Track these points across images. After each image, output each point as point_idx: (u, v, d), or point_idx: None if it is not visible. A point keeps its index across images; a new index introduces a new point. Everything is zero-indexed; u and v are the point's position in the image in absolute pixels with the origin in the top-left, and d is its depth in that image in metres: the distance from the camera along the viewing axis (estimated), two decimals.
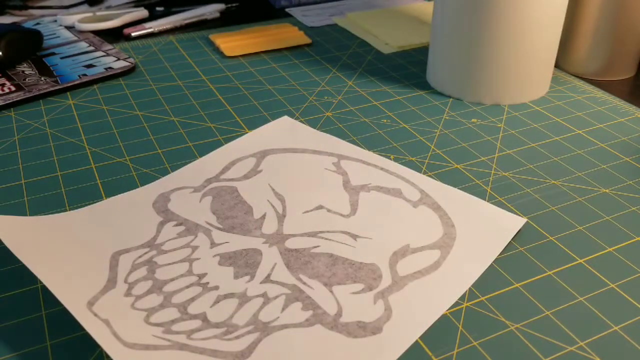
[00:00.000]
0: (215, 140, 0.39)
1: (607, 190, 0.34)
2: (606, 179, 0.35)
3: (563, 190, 0.34)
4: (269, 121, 0.42)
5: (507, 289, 0.28)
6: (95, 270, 0.28)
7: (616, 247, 0.30)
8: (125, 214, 0.32)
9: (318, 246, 0.30)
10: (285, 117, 0.42)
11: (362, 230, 0.31)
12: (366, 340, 0.25)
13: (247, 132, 0.40)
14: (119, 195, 0.34)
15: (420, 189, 0.34)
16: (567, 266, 0.29)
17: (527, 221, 0.32)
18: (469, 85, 0.43)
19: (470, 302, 0.27)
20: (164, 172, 0.36)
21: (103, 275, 0.28)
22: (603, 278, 0.28)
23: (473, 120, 0.41)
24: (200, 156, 0.38)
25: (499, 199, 0.34)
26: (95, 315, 0.25)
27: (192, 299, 0.27)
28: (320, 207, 0.33)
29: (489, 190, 0.34)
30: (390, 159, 0.37)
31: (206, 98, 0.45)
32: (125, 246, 0.30)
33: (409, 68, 0.49)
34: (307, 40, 0.54)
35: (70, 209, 0.33)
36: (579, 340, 0.25)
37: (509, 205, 0.33)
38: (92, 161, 0.37)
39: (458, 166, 0.37)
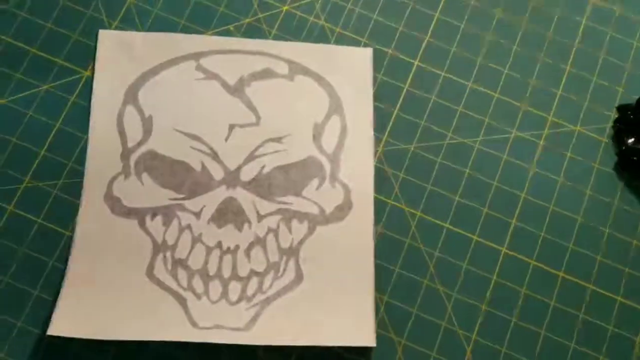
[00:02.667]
0: None
1: None
2: None
3: None
4: None
5: None
6: None
7: None
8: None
9: (264, 166, 0.38)
10: (103, 33, 0.40)
11: (278, 130, 0.39)
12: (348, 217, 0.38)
13: None
14: None
15: (283, 58, 0.40)
16: None
17: (372, 49, 0.41)
18: None
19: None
20: None
21: None
22: None
23: None
24: None
25: None
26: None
27: (221, 263, 0.36)
28: (232, 126, 0.39)
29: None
30: (230, 29, 0.41)
31: None
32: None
33: None
34: None
35: None
36: None
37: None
38: None
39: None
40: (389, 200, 0.38)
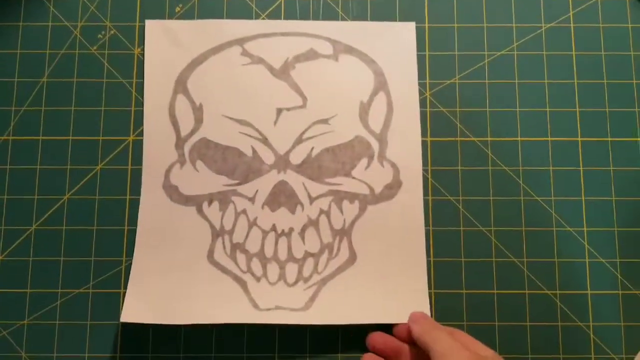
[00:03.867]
0: None
1: None
2: None
3: None
4: None
5: None
6: None
7: None
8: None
9: (312, 148, 0.39)
10: (150, 23, 0.41)
11: (325, 111, 0.39)
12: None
13: None
14: None
15: (327, 38, 0.40)
16: None
17: (414, 23, 0.41)
18: None
19: None
20: None
21: None
22: None
23: None
24: None
25: None
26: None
27: (277, 246, 0.37)
28: (280, 110, 0.39)
29: None
30: (271, 11, 0.41)
31: None
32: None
33: None
34: None
35: None
36: None
37: None
38: None
39: None
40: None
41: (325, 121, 0.39)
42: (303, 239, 0.38)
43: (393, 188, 0.38)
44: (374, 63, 0.40)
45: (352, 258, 0.37)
